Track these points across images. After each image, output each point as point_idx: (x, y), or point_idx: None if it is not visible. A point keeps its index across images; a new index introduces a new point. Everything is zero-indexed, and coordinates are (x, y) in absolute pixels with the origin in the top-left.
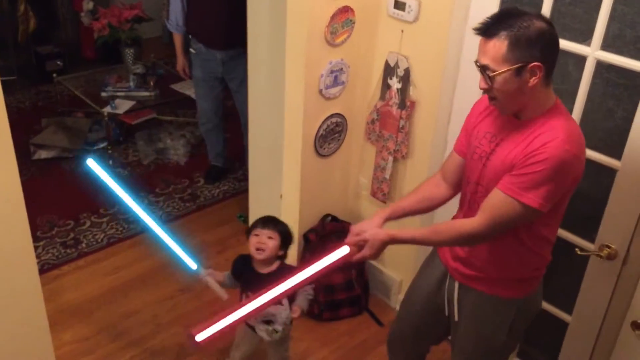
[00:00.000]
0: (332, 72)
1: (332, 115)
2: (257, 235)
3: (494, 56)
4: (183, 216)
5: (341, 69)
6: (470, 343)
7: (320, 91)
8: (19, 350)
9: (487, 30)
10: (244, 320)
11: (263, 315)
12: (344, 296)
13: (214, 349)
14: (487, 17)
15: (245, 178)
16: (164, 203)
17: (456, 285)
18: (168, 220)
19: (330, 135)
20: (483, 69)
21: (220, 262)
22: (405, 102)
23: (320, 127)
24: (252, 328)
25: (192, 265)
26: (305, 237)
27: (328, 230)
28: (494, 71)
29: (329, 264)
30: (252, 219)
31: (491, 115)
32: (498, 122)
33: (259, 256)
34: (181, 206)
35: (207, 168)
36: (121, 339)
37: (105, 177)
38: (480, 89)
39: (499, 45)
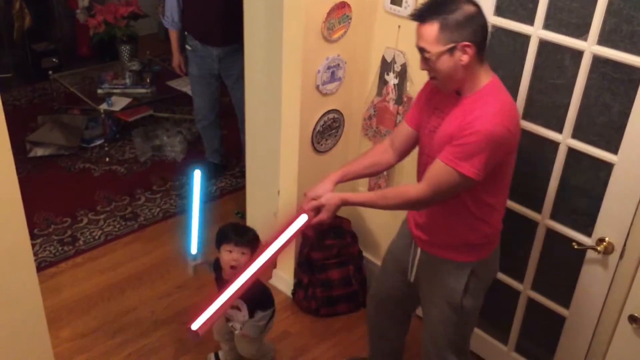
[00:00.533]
0: (328, 67)
1: (329, 112)
2: (230, 251)
3: (427, 39)
4: (180, 213)
5: (338, 64)
6: (433, 307)
7: (317, 87)
8: (17, 347)
9: (420, 16)
10: (228, 305)
11: (226, 313)
12: (342, 292)
13: (210, 344)
14: (421, 4)
15: (242, 175)
16: (161, 200)
17: (418, 251)
18: (165, 217)
19: (327, 132)
20: (421, 51)
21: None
22: (402, 98)
23: (317, 123)
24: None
25: (194, 250)
26: (303, 233)
27: (325, 226)
28: (429, 52)
29: (292, 234)
30: (249, 216)
31: (439, 93)
32: (443, 99)
33: (232, 272)
34: (178, 203)
35: (204, 165)
36: (119, 336)
37: (196, 194)
38: (421, 69)
39: (431, 29)
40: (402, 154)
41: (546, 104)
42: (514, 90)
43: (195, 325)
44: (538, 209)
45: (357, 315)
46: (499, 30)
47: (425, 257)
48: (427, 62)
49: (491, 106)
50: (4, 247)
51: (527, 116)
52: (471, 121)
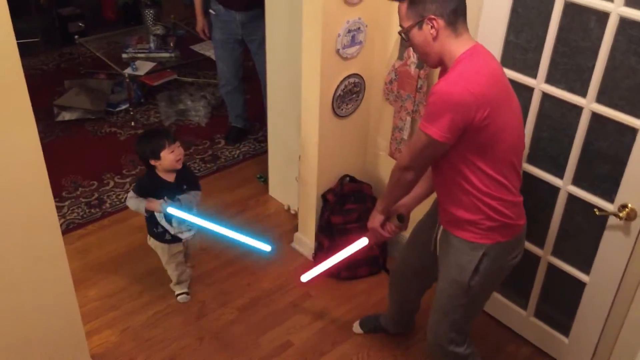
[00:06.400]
0: (349, 31)
1: (349, 76)
2: (172, 151)
3: (400, 15)
4: (204, 177)
5: (359, 28)
6: (443, 281)
7: (338, 51)
8: (45, 306)
9: None
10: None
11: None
12: (362, 256)
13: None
14: None
15: (265, 139)
16: (185, 163)
17: (440, 229)
18: None
19: (348, 96)
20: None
21: (240, 222)
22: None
23: (337, 87)
24: (173, 241)
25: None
26: (324, 197)
27: (346, 191)
28: (402, 28)
29: (350, 254)
30: (271, 180)
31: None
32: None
33: (180, 165)
34: (202, 167)
35: (228, 129)
36: (145, 296)
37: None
38: (406, 47)
39: (402, 6)
40: None
41: (570, 67)
42: (537, 53)
43: (305, 278)
44: (560, 174)
45: (377, 279)
46: None
47: (444, 233)
48: (404, 38)
49: (455, 72)
50: (30, 211)
51: (550, 80)
52: (434, 86)
